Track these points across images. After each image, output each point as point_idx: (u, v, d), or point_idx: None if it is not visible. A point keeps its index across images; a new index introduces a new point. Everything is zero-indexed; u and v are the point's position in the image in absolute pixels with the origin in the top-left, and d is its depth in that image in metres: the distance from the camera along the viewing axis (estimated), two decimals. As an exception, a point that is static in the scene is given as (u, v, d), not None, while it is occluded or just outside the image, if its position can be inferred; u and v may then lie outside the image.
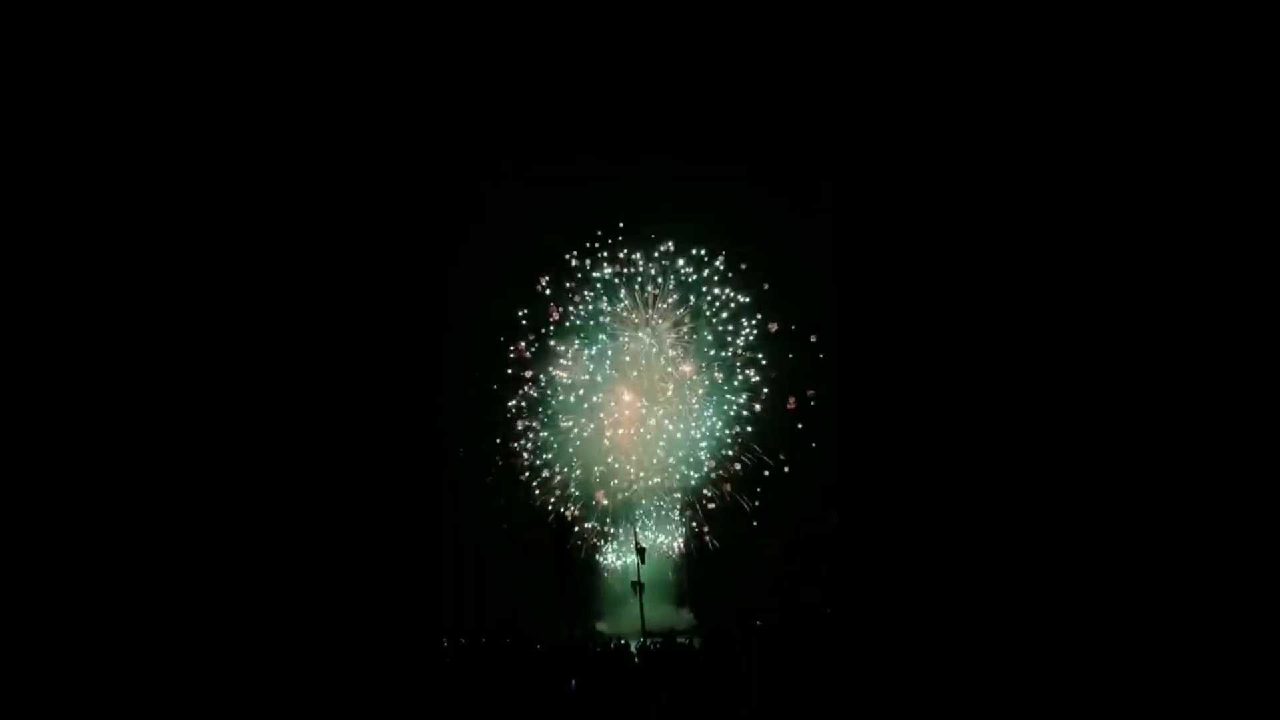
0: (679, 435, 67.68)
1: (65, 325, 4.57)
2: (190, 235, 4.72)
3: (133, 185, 4.68)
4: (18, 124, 4.62)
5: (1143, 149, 4.37)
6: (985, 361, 4.48)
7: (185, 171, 4.75)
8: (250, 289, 4.71)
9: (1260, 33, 4.27)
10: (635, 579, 57.44)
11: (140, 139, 4.70)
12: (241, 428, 4.66)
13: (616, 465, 67.82)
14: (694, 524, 66.64)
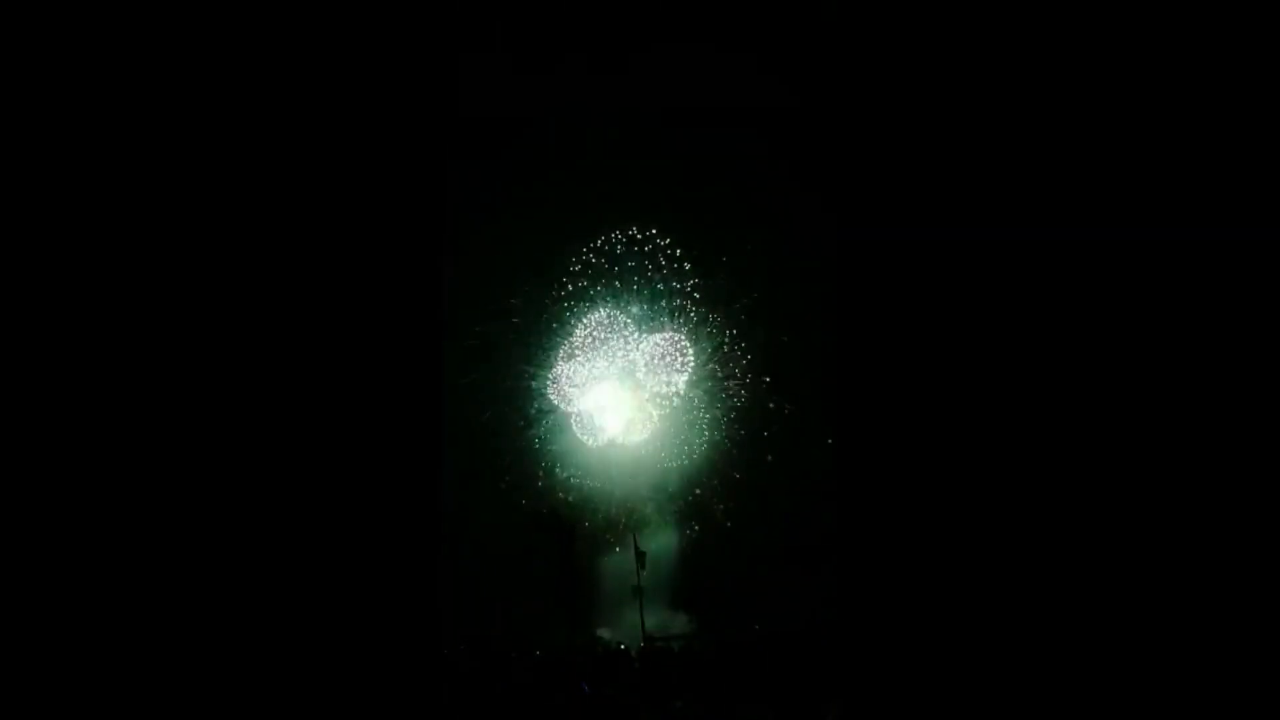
0: (677, 440, 67.67)
1: (61, 324, 4.60)
2: (190, 237, 4.74)
3: (114, 196, 4.70)
4: (17, 124, 4.65)
5: (1144, 156, 4.39)
6: (989, 357, 4.50)
7: (180, 170, 4.77)
8: (250, 291, 4.74)
9: (1260, 33, 4.28)
10: (636, 584, 57.21)
11: (130, 142, 4.72)
12: (243, 433, 4.70)
13: (617, 471, 67.81)
14: (693, 528, 66.54)
